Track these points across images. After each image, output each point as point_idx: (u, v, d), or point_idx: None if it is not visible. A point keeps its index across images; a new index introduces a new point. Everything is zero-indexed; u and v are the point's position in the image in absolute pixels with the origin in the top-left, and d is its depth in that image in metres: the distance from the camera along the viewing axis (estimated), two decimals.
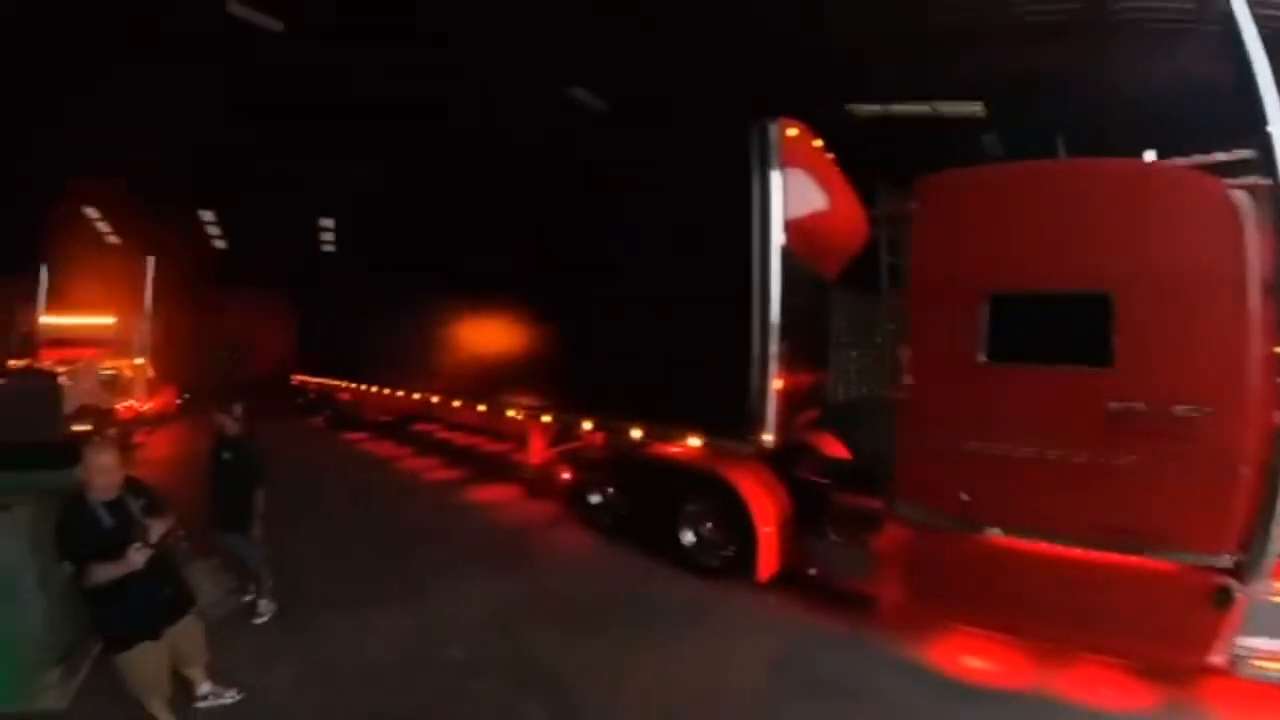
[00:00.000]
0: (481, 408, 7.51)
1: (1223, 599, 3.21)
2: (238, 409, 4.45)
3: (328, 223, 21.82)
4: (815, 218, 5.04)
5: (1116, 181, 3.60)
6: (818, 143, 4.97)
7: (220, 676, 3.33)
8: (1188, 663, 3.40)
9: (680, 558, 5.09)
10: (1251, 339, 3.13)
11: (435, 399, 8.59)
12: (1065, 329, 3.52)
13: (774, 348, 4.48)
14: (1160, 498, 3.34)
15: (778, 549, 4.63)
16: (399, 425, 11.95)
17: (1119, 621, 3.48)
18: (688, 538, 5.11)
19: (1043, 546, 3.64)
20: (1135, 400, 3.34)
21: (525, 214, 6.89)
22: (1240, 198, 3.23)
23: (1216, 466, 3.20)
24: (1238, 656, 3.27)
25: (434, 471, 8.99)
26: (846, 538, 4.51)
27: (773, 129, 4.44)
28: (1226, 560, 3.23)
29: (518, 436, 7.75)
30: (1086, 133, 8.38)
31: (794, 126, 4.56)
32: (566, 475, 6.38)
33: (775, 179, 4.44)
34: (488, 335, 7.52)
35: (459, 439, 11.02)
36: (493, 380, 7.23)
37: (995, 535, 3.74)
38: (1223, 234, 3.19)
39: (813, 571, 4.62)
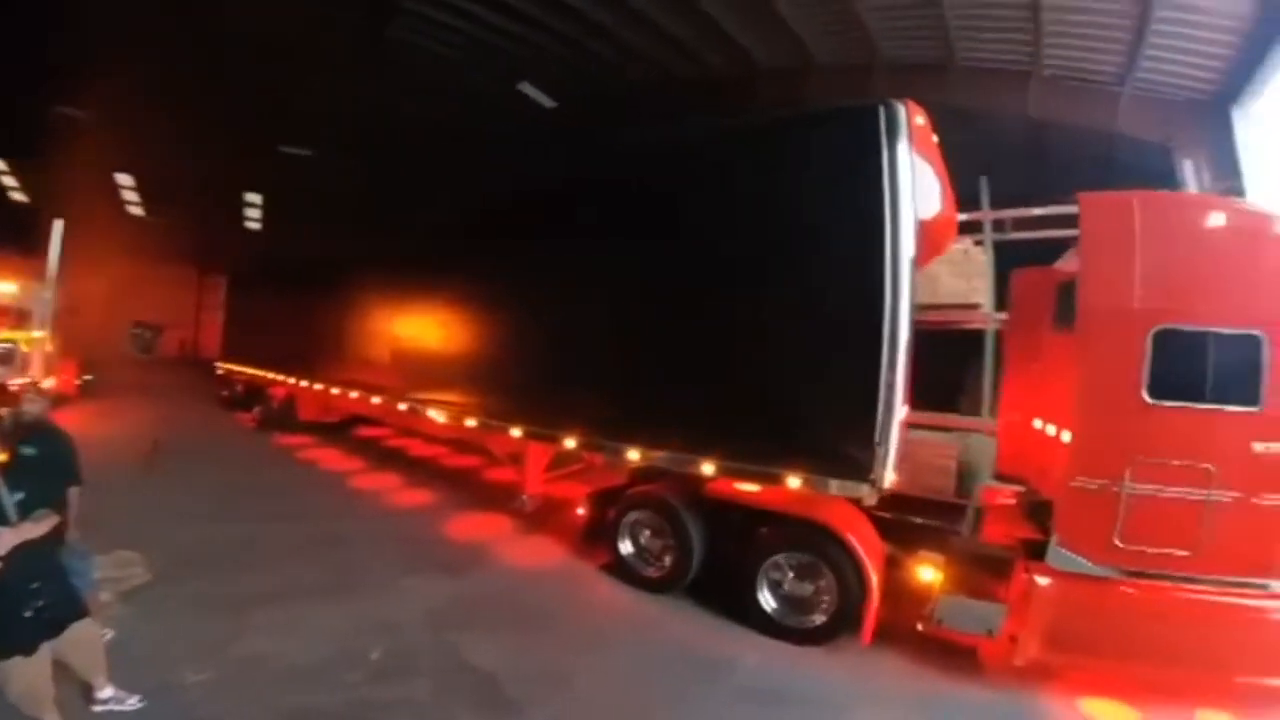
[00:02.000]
0: (471, 422, 5.94)
1: None
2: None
3: (254, 198, 20.83)
4: (935, 218, 4.43)
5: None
6: (933, 134, 4.36)
7: (127, 678, 3.12)
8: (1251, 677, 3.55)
9: (759, 622, 4.26)
10: None
11: (403, 406, 6.77)
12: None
13: (901, 372, 3.79)
14: None
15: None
16: (341, 429, 9.85)
17: (1257, 651, 3.52)
18: (768, 598, 4.28)
19: (1191, 591, 3.52)
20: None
21: (559, 196, 5.57)
22: None
23: None
24: None
25: (398, 493, 7.19)
26: (967, 588, 4.02)
27: (902, 111, 3.78)
28: None
29: (506, 455, 6.31)
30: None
31: (919, 112, 3.96)
32: (583, 512, 5.19)
33: (906, 172, 3.76)
34: (490, 336, 5.90)
35: (415, 449, 9.11)
36: (487, 391, 5.76)
37: (1147, 582, 3.55)
38: None
39: (920, 627, 4.04)
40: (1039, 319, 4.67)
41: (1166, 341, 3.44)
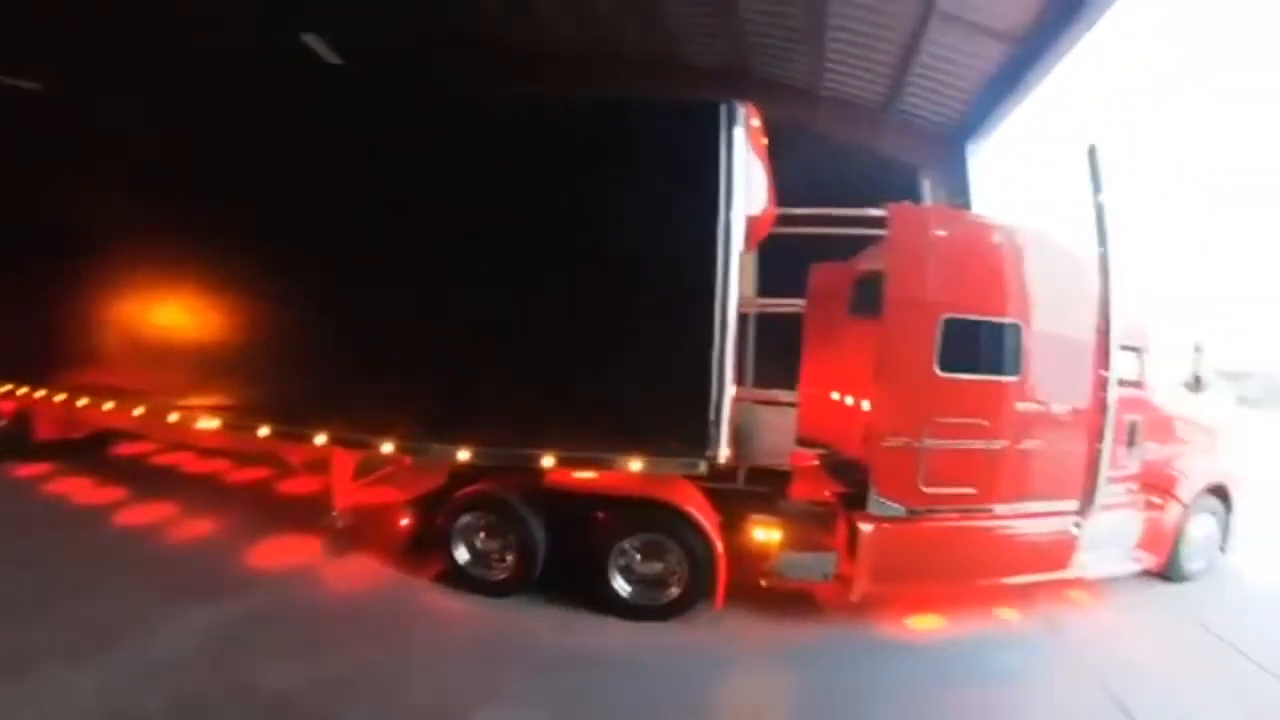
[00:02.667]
0: (264, 430, 4.78)
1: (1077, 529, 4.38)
2: None
3: None
4: (760, 214, 4.53)
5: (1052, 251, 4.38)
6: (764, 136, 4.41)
7: None
8: (1060, 575, 4.50)
9: (616, 607, 4.16)
10: (1098, 362, 4.24)
11: (175, 416, 5.27)
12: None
13: (730, 352, 3.87)
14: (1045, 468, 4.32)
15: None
16: (93, 448, 7.40)
17: (1027, 558, 4.40)
18: (621, 582, 4.18)
19: (978, 518, 4.25)
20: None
21: (357, 159, 4.53)
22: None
23: (1074, 444, 4.29)
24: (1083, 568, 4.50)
25: (177, 524, 5.62)
26: (801, 542, 4.28)
27: (742, 111, 3.88)
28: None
29: (305, 465, 5.33)
30: None
31: (755, 114, 4.08)
32: (407, 521, 4.59)
33: (742, 168, 3.84)
34: (280, 326, 4.66)
35: (190, 465, 7.29)
36: (281, 392, 4.67)
37: (949, 516, 4.18)
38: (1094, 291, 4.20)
39: (764, 583, 4.28)
40: (835, 307, 5.29)
41: (951, 327, 4.06)
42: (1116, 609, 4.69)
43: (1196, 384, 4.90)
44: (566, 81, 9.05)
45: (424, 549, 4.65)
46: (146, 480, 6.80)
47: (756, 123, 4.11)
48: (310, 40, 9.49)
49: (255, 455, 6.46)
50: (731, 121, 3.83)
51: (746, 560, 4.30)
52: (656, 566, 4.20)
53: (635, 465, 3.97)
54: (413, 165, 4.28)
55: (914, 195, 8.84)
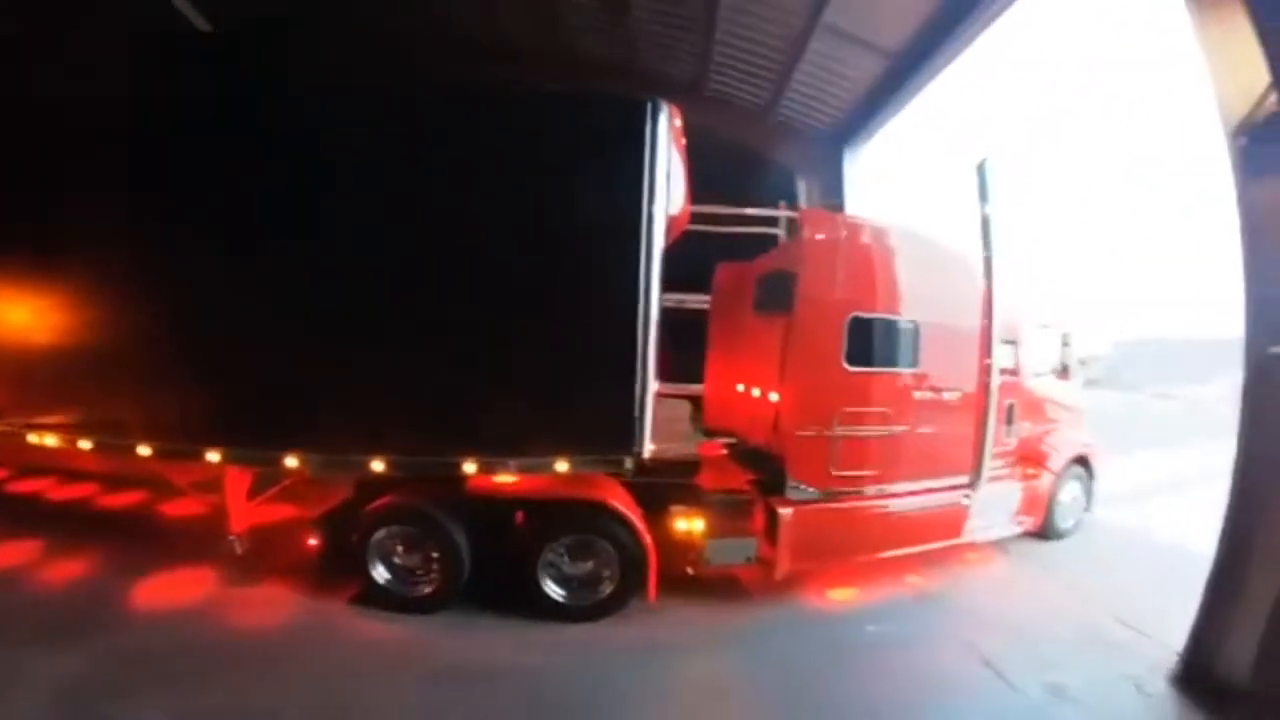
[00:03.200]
0: (144, 450, 4.15)
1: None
2: None
3: None
4: (678, 211, 4.62)
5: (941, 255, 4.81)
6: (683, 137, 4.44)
7: None
8: (955, 542, 5.02)
9: (550, 611, 4.12)
10: (982, 354, 4.70)
11: (36, 438, 4.41)
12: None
13: (654, 349, 3.92)
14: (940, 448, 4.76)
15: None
16: None
17: (926, 530, 4.84)
18: (553, 586, 4.15)
19: (881, 497, 4.62)
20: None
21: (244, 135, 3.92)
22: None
23: (962, 426, 4.75)
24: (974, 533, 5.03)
25: (43, 567, 4.79)
26: (723, 529, 4.43)
27: (666, 111, 3.92)
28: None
29: (193, 486, 4.71)
30: None
31: (678, 115, 4.10)
32: (315, 542, 4.28)
33: (664, 166, 3.89)
34: (159, 328, 3.97)
35: (54, 493, 6.36)
36: (162, 404, 4.06)
37: (857, 497, 4.53)
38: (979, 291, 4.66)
39: (691, 571, 4.44)
40: (740, 304, 5.54)
41: (857, 326, 4.35)
42: (996, 569, 5.22)
43: (1064, 371, 5.59)
44: (449, 66, 8.61)
45: (337, 569, 4.33)
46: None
47: (679, 123, 4.15)
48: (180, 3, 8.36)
49: (132, 478, 5.83)
50: (657, 119, 3.85)
51: (673, 551, 4.39)
52: (586, 566, 4.20)
53: (561, 466, 3.94)
54: (310, 152, 3.83)
55: (791, 195, 9.31)
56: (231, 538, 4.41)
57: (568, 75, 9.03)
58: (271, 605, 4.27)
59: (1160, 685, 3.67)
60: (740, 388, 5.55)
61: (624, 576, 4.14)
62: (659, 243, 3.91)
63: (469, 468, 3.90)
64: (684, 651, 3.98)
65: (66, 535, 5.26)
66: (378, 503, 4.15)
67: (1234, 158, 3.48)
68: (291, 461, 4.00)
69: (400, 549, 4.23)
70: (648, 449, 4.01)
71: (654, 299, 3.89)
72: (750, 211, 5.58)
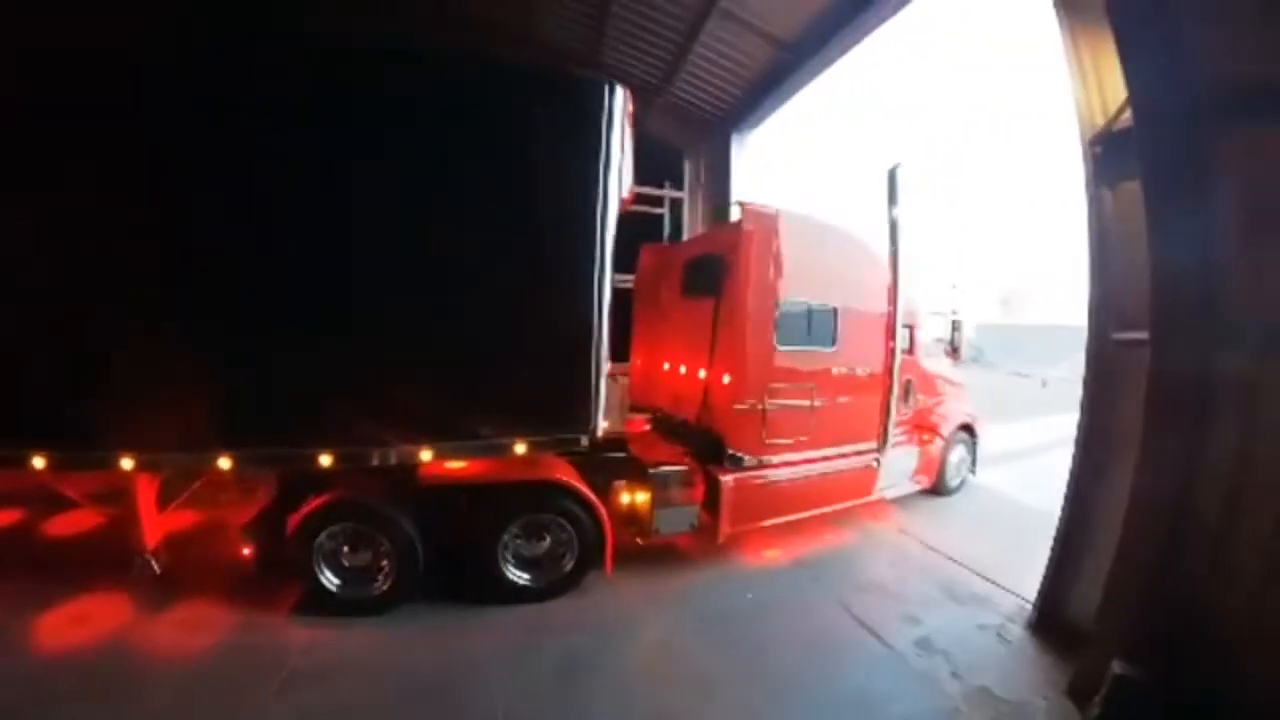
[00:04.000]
0: (39, 462, 3.55)
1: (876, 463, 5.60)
2: None
3: None
4: (627, 193, 4.72)
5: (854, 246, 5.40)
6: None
7: None
8: (866, 499, 5.72)
9: (511, 594, 4.19)
10: (887, 336, 5.46)
11: None
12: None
13: (607, 330, 4.12)
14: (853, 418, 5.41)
15: None
16: None
17: (843, 490, 5.49)
18: (512, 569, 4.22)
19: (809, 462, 5.18)
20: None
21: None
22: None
23: (870, 398, 5.47)
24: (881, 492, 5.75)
25: None
26: (668, 500, 4.74)
27: (621, 93, 4.07)
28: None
29: (88, 498, 4.25)
30: None
31: (632, 98, 4.26)
32: (249, 551, 4.03)
33: (617, 147, 4.04)
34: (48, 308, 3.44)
35: None
36: (46, 403, 3.51)
37: (782, 463, 5.03)
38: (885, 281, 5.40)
39: (641, 540, 4.73)
40: (665, 286, 5.96)
41: (788, 311, 4.86)
42: (864, 535, 5.71)
43: (954, 351, 6.54)
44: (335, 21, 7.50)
45: (274, 577, 4.07)
46: None
47: (630, 107, 4.26)
48: None
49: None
50: (613, 102, 3.97)
51: (622, 524, 4.65)
52: (543, 546, 4.32)
53: (519, 448, 4.01)
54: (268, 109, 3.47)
55: (677, 175, 9.89)
56: (145, 555, 3.99)
57: (457, 38, 8.20)
58: (203, 627, 3.84)
59: (1018, 632, 4.04)
60: (666, 366, 5.91)
61: (582, 552, 4.32)
62: (613, 224, 4.04)
63: (425, 455, 3.85)
64: (564, 635, 3.91)
65: None
66: (317, 501, 3.90)
67: (1087, 164, 3.80)
68: (225, 463, 3.66)
69: (345, 548, 4.03)
70: (601, 427, 4.22)
71: (608, 280, 4.04)
72: (656, 192, 5.65)
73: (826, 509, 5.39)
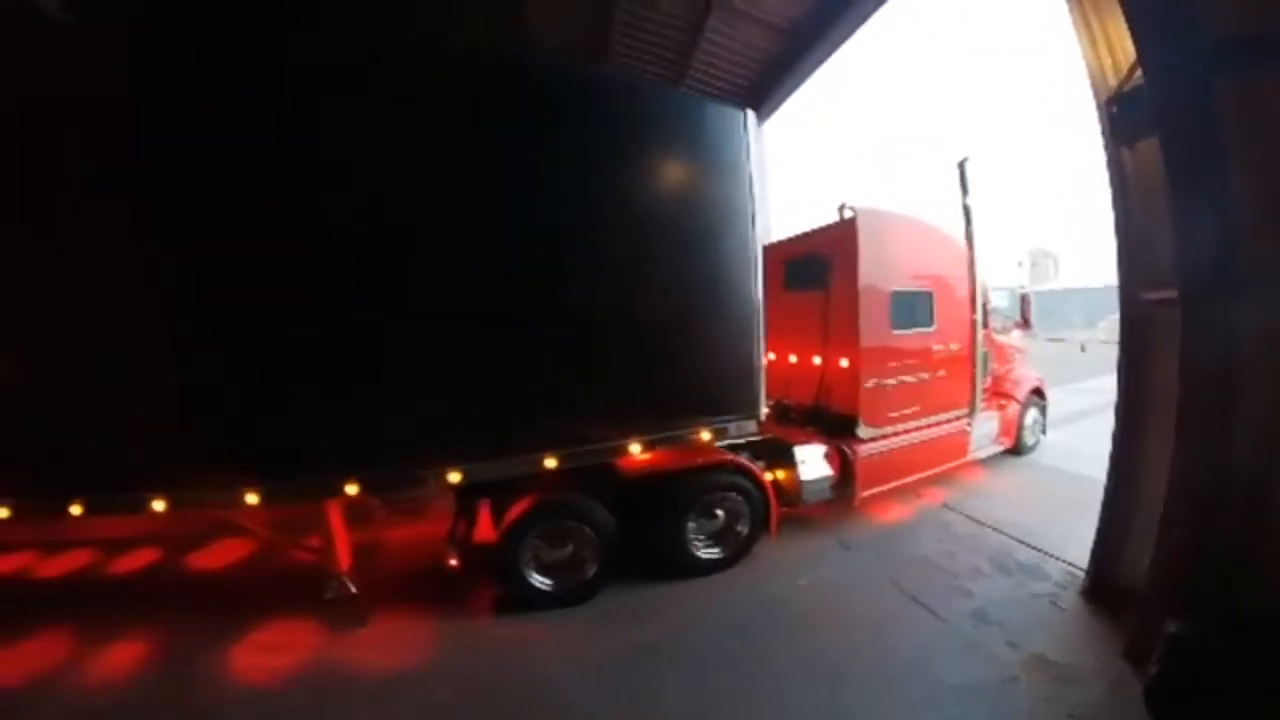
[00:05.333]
0: (252, 498, 3.70)
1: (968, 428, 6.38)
2: None
3: None
4: None
5: (938, 235, 6.10)
6: None
7: None
8: (962, 461, 6.43)
9: (703, 568, 4.70)
10: (970, 312, 6.18)
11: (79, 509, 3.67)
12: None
13: (763, 323, 4.76)
14: (950, 389, 6.14)
15: None
16: None
17: (944, 453, 6.19)
18: (699, 546, 4.76)
19: (917, 430, 5.94)
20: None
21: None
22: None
23: (964, 371, 6.22)
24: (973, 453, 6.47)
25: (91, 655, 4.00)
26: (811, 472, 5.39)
27: (753, 116, 4.71)
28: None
29: (265, 528, 4.44)
30: None
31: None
32: (455, 562, 4.36)
33: (757, 164, 4.69)
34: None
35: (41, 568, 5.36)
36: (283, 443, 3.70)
37: (897, 432, 5.77)
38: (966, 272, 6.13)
39: (790, 509, 5.31)
40: (770, 281, 6.43)
41: (897, 299, 5.59)
42: (908, 512, 5.82)
43: (1025, 323, 7.37)
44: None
45: (481, 582, 4.42)
46: None
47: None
48: None
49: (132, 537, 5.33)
50: (748, 123, 4.57)
51: (778, 496, 5.11)
52: (719, 521, 4.84)
53: (705, 435, 4.57)
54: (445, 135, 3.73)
55: None
56: (340, 576, 4.26)
57: (470, 36, 7.40)
58: (412, 638, 4.03)
59: (1071, 599, 4.10)
60: (771, 356, 6.25)
61: (753, 523, 4.91)
62: (761, 231, 4.68)
63: (634, 449, 4.35)
64: (627, 624, 4.06)
65: (94, 616, 4.41)
66: (523, 505, 4.27)
67: (1104, 124, 3.84)
68: (454, 477, 3.98)
69: (545, 546, 4.37)
70: (763, 413, 4.85)
71: (760, 278, 4.65)
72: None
73: (932, 471, 6.11)
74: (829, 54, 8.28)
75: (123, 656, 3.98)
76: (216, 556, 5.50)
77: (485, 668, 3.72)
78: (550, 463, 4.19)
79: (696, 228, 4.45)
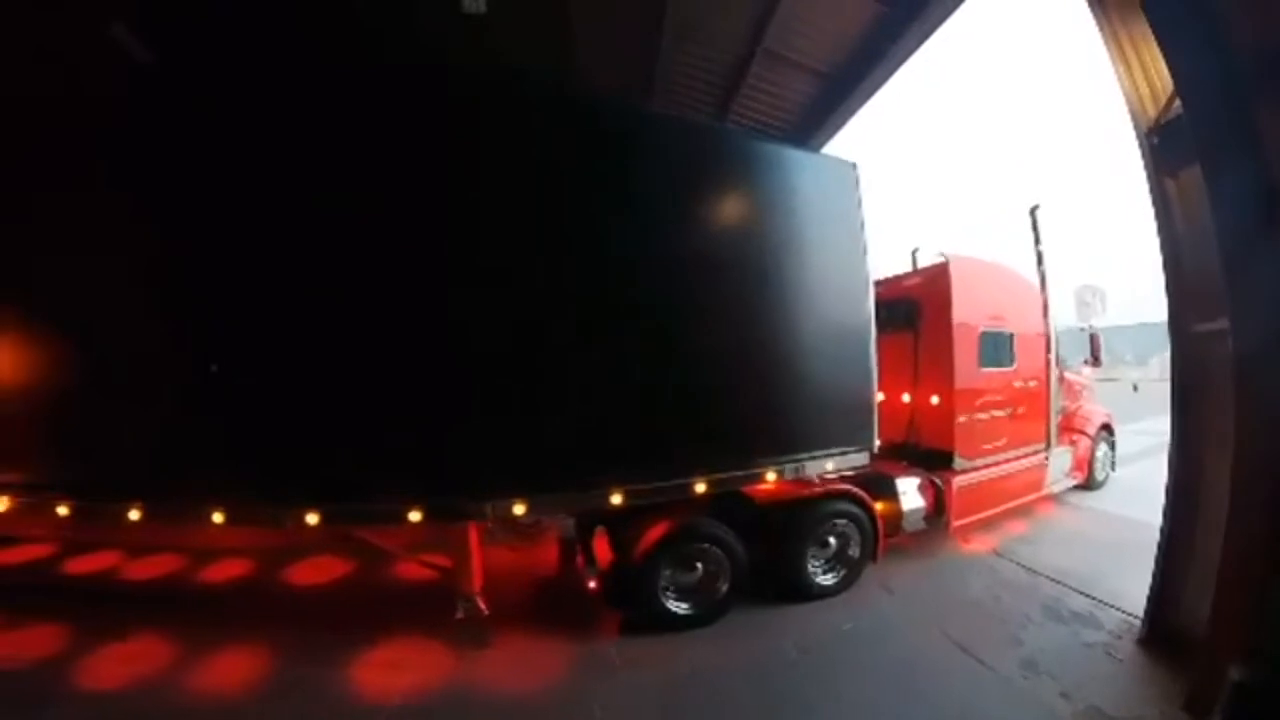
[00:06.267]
0: (415, 515, 4.00)
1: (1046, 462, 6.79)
2: None
3: None
4: None
5: (1015, 279, 6.69)
6: None
7: None
8: (1039, 494, 6.86)
9: (818, 592, 5.05)
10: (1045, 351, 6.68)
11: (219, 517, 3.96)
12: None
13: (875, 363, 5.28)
14: (1029, 423, 6.59)
15: None
16: None
17: (1025, 485, 6.64)
18: (818, 571, 5.14)
19: (1003, 463, 6.39)
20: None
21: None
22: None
23: (1040, 406, 6.67)
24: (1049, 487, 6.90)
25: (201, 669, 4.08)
26: (911, 503, 5.82)
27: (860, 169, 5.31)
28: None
29: (403, 548, 4.78)
30: None
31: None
32: (594, 584, 4.70)
33: (865, 217, 5.26)
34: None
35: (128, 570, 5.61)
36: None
37: (985, 465, 6.20)
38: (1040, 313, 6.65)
39: (891, 538, 5.64)
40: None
41: (984, 339, 6.12)
42: (951, 558, 5.85)
43: (1095, 360, 7.87)
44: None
45: (614, 605, 4.63)
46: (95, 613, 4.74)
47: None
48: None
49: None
50: (861, 176, 5.20)
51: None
52: (832, 548, 5.20)
53: (829, 465, 5.01)
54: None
55: None
56: (468, 598, 4.29)
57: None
58: (542, 660, 4.18)
59: (1127, 648, 3.97)
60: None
61: (863, 550, 5.28)
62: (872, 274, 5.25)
63: (770, 476, 4.76)
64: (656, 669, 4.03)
65: (191, 623, 4.56)
66: (659, 531, 4.52)
67: (1146, 155, 3.89)
68: (617, 499, 4.28)
69: (677, 570, 4.63)
70: (876, 446, 5.30)
71: (873, 320, 5.19)
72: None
73: (1014, 503, 6.52)
74: (868, 97, 8.53)
75: (232, 666, 4.07)
76: (311, 572, 5.68)
77: (620, 689, 3.86)
78: (700, 487, 4.53)
79: (817, 274, 4.98)
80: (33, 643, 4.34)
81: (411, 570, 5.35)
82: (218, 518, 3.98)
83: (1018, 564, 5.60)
